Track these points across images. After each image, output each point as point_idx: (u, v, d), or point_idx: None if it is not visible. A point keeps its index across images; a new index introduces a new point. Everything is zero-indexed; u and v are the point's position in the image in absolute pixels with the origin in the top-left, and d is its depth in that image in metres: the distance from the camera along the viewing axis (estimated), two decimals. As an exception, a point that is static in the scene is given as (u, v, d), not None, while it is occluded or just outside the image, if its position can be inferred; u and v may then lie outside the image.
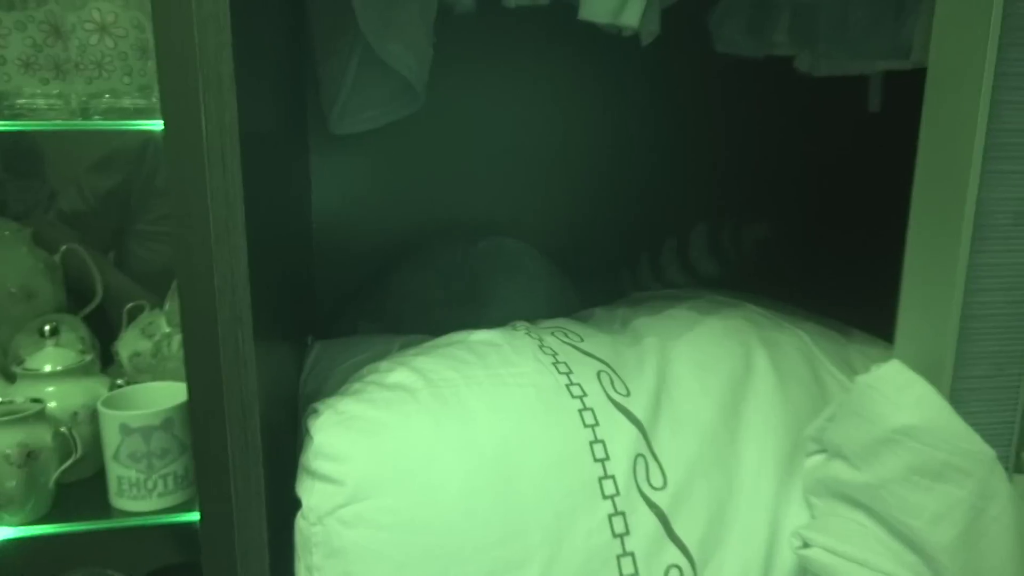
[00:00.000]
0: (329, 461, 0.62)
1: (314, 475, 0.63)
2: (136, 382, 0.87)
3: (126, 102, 0.77)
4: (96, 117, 0.76)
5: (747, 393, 0.73)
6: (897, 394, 0.56)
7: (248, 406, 0.53)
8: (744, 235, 1.23)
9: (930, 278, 0.58)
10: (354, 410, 0.65)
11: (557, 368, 0.72)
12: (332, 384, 0.76)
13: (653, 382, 0.72)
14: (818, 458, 0.66)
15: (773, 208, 1.23)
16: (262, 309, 0.57)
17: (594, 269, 1.15)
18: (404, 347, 0.82)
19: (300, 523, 0.64)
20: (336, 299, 1.09)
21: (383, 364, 0.72)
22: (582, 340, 0.78)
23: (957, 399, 0.58)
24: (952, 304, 0.56)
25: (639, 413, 0.69)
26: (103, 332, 1.01)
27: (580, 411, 0.68)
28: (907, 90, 0.67)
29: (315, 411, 0.67)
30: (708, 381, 0.74)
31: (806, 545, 0.63)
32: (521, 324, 0.82)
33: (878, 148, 1.16)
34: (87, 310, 1.04)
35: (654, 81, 1.15)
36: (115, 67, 0.75)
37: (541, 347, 0.75)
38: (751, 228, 1.23)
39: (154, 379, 0.88)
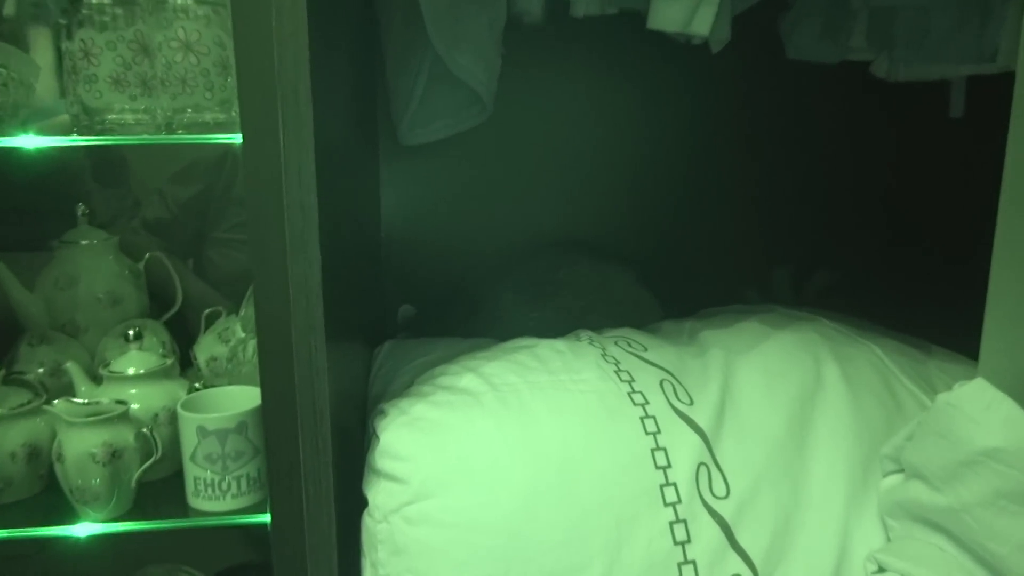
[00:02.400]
0: (395, 460, 0.64)
1: (380, 474, 0.65)
2: (213, 386, 0.90)
3: (207, 116, 0.80)
4: (179, 131, 0.79)
5: (816, 405, 0.71)
6: (982, 414, 0.54)
7: (320, 412, 0.54)
8: (821, 252, 1.20)
9: (1018, 291, 0.55)
10: (420, 411, 0.66)
11: (619, 376, 0.72)
12: (399, 384, 0.78)
13: (717, 392, 0.71)
14: (895, 478, 0.63)
15: (848, 221, 1.20)
16: (334, 317, 0.59)
17: (676, 281, 1.14)
18: (471, 350, 0.83)
19: (367, 520, 0.65)
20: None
21: (451, 368, 0.74)
22: (646, 350, 0.78)
23: (1047, 421, 0.55)
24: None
25: (702, 422, 0.69)
26: (182, 337, 1.04)
27: (642, 418, 0.68)
28: (989, 96, 0.64)
29: (382, 412, 0.68)
30: (776, 392, 0.72)
31: (881, 570, 0.60)
32: (585, 333, 0.83)
33: (959, 156, 1.12)
34: (168, 315, 1.08)
35: (726, 88, 1.13)
36: (198, 83, 0.78)
37: (604, 356, 0.75)
38: (828, 246, 1.20)
39: (230, 383, 0.91)
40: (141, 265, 1.08)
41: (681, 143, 1.13)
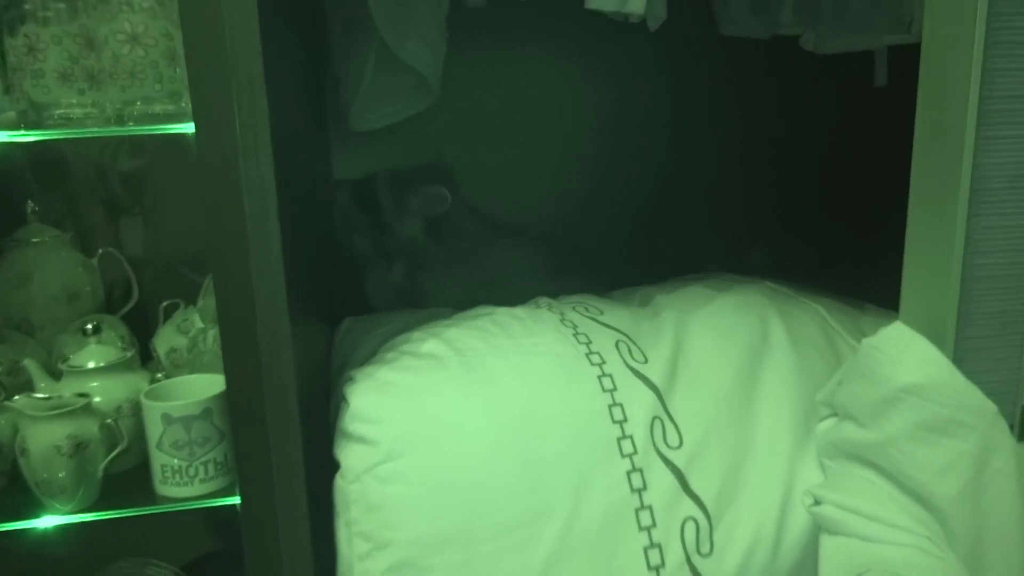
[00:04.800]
0: (365, 423, 0.67)
1: (351, 437, 0.68)
2: (174, 377, 0.91)
3: (157, 108, 0.80)
4: (130, 123, 0.79)
5: (763, 359, 0.76)
6: (901, 354, 0.59)
7: (286, 387, 0.57)
8: (758, 212, 1.25)
9: (931, 243, 0.60)
10: (388, 377, 0.69)
11: (577, 338, 0.76)
12: (361, 353, 0.80)
13: (670, 350, 0.76)
14: (830, 421, 0.68)
15: (784, 185, 1.25)
16: (295, 295, 0.60)
17: (610, 258, 1.17)
18: (430, 319, 0.86)
19: (339, 482, 0.68)
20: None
21: (414, 334, 0.77)
22: (602, 313, 0.82)
23: (961, 359, 0.60)
24: (952, 267, 0.58)
25: (656, 379, 0.73)
26: (142, 332, 1.04)
27: (599, 377, 0.72)
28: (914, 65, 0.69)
29: (351, 378, 0.71)
30: (725, 348, 0.77)
31: (817, 502, 0.65)
32: (543, 300, 0.87)
33: (887, 124, 1.18)
34: (125, 309, 1.07)
35: (665, 67, 1.17)
36: (146, 75, 0.78)
37: (562, 320, 0.79)
38: (765, 207, 1.25)
39: (191, 373, 0.92)
40: (95, 260, 1.07)
41: (621, 121, 1.17)
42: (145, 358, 1.01)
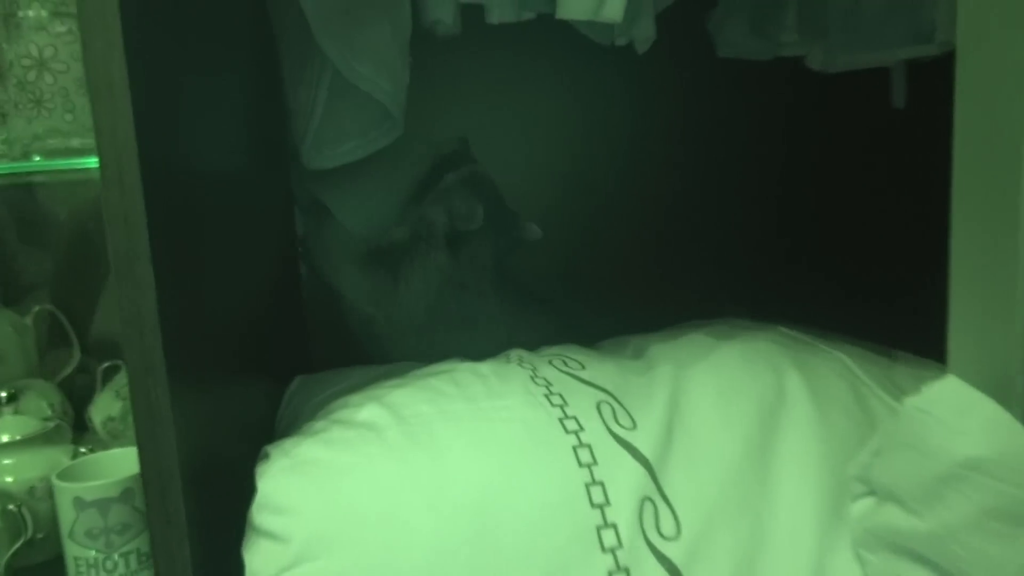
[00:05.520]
0: (275, 514, 0.53)
1: (259, 531, 0.54)
2: (112, 449, 0.81)
3: (73, 142, 0.71)
4: (38, 158, 0.70)
5: (779, 423, 0.63)
6: (958, 419, 0.45)
7: (166, 469, 0.45)
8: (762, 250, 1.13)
9: (986, 277, 0.48)
10: (307, 452, 0.56)
11: (550, 399, 0.62)
12: (302, 423, 0.68)
13: (664, 412, 0.62)
14: (866, 502, 0.54)
15: (791, 222, 1.13)
16: (204, 349, 0.49)
17: (605, 292, 1.06)
18: (387, 376, 0.73)
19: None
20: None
21: (353, 398, 0.63)
22: (583, 368, 0.69)
23: (1033, 421, 0.47)
24: (1016, 304, 0.46)
25: (646, 449, 0.59)
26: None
27: (575, 448, 0.58)
28: (934, 82, 0.58)
29: (266, 455, 0.58)
30: (731, 410, 0.63)
31: (858, 611, 0.51)
32: (515, 352, 0.73)
33: (906, 150, 1.07)
34: (63, 374, 0.98)
35: (657, 95, 1.07)
36: (55, 104, 0.70)
37: (534, 377, 0.66)
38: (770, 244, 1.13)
39: (128, 445, 0.81)
40: (28, 319, 0.97)
41: (615, 151, 1.06)
42: (83, 428, 0.92)
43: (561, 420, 0.59)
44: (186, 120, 0.53)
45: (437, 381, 0.64)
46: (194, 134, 0.55)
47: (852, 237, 1.13)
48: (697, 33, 1.01)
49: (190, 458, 0.47)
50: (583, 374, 0.66)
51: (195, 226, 0.52)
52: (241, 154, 0.71)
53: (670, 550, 0.54)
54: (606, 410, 0.61)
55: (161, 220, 0.45)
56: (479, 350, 0.79)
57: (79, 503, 0.68)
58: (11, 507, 0.70)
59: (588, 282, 1.06)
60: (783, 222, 1.13)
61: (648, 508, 0.56)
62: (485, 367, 0.67)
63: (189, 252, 0.50)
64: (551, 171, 1.06)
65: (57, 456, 0.78)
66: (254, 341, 0.70)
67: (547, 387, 0.63)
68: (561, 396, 0.62)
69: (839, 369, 0.71)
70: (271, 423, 0.76)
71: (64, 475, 0.70)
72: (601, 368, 0.68)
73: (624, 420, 0.61)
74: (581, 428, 0.59)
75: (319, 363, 0.96)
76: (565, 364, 0.68)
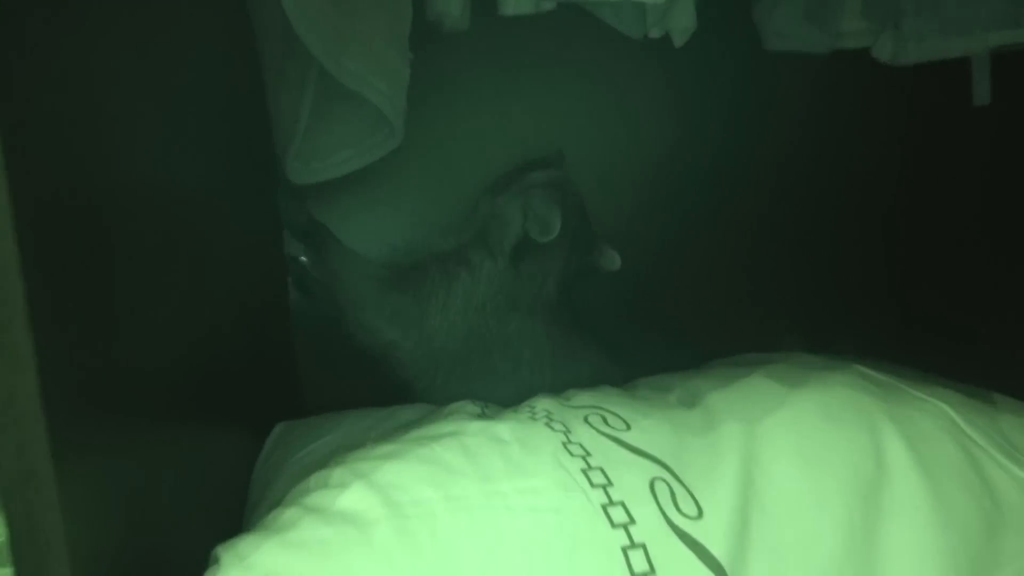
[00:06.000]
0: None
1: None
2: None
3: None
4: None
5: (882, 503, 0.49)
6: None
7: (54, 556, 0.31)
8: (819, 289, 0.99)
9: None
10: (268, 563, 0.41)
11: (590, 477, 0.48)
12: (279, 488, 0.54)
13: (736, 492, 0.48)
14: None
15: (852, 248, 1.00)
16: (105, 433, 0.36)
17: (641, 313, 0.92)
18: (382, 423, 0.61)
19: None
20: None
21: (336, 472, 0.48)
22: (628, 428, 0.54)
23: None
24: None
25: (718, 548, 0.45)
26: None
27: (624, 549, 0.44)
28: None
29: (215, 559, 0.43)
30: (822, 486, 0.49)
31: None
32: (542, 403, 0.59)
33: (988, 149, 0.93)
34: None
35: (699, 91, 0.94)
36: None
37: (567, 443, 0.51)
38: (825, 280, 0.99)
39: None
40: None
41: (651, 156, 0.93)
42: None
43: (605, 508, 0.45)
44: (108, 128, 0.40)
45: (443, 449, 0.49)
46: (131, 144, 0.42)
47: (919, 259, 0.99)
48: (740, 23, 0.88)
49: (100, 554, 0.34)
50: (628, 437, 0.52)
51: (113, 265, 0.39)
52: (202, 168, 0.58)
53: None
54: (662, 490, 0.47)
55: (53, 263, 0.32)
56: (520, 385, 0.68)
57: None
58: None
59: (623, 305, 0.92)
60: (839, 241, 0.99)
61: (725, 635, 0.41)
62: (504, 429, 0.52)
63: (100, 299, 0.37)
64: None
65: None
66: (215, 388, 0.57)
67: (585, 458, 0.49)
68: (603, 472, 0.47)
69: (943, 424, 0.56)
70: (246, 480, 0.63)
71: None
72: (651, 427, 0.53)
73: (686, 506, 0.46)
74: (631, 520, 0.45)
75: (313, 398, 0.83)
76: (605, 422, 0.54)
